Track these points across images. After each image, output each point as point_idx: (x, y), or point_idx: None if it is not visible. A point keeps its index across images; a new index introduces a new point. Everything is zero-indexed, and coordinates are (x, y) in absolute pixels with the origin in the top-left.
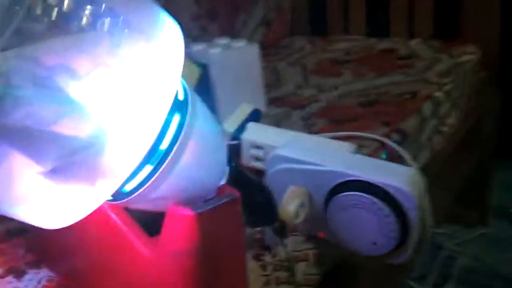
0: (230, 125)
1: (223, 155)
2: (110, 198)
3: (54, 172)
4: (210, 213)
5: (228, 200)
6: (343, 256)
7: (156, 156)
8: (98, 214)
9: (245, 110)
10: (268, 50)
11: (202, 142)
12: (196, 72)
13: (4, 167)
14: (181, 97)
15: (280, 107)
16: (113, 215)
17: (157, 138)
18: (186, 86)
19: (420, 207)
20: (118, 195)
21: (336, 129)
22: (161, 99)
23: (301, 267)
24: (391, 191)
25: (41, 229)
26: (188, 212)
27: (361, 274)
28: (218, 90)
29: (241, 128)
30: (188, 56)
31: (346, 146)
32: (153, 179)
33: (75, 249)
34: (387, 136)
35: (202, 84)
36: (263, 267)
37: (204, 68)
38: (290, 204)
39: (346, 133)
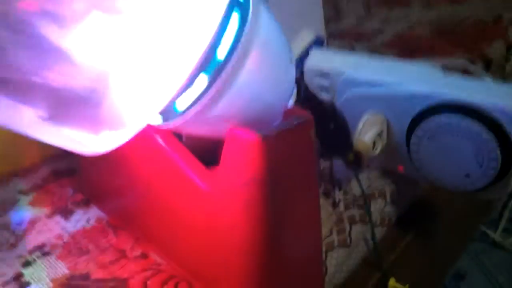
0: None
1: (291, 71)
2: (161, 120)
3: (53, 119)
4: (278, 137)
5: (299, 122)
6: (421, 195)
7: (212, 65)
8: (148, 144)
9: (306, 37)
10: None
11: (268, 53)
12: None
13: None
14: None
15: (342, 40)
16: (164, 144)
17: (212, 42)
18: None
19: None
20: (170, 115)
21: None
22: None
23: (377, 205)
24: (493, 112)
25: (90, 168)
26: (252, 135)
27: (440, 215)
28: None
29: (303, 57)
30: None
31: (429, 67)
32: (210, 92)
33: (124, 187)
34: (471, 62)
35: None
36: (334, 204)
37: None
38: (366, 133)
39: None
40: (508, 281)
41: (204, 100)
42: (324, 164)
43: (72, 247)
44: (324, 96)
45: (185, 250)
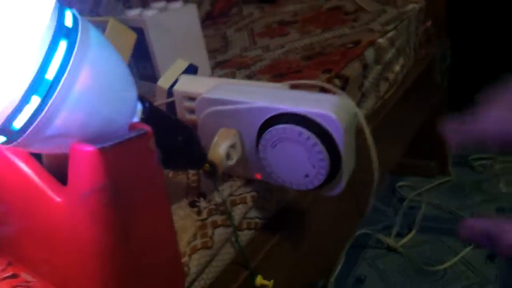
0: (165, 82)
1: (129, 89)
2: (3, 139)
3: None
4: (114, 148)
5: (136, 135)
6: (289, 200)
7: (43, 87)
8: (8, 168)
9: (180, 65)
10: (217, 19)
11: (99, 72)
12: (132, 37)
13: None
14: (69, 23)
15: (225, 69)
16: (19, 162)
17: (40, 66)
18: (76, 13)
19: (349, 132)
20: (10, 134)
21: (279, 82)
22: (34, 21)
23: (238, 211)
24: (316, 118)
25: None
26: (89, 148)
27: (309, 217)
28: (158, 54)
29: (175, 83)
30: (124, 22)
31: (279, 86)
32: (43, 112)
33: None
34: (329, 82)
35: (140, 48)
36: (198, 212)
37: (139, 33)
38: (220, 145)
39: (287, 83)
40: (402, 283)
41: (40, 118)
42: (191, 178)
43: None
44: (191, 117)
45: (52, 265)
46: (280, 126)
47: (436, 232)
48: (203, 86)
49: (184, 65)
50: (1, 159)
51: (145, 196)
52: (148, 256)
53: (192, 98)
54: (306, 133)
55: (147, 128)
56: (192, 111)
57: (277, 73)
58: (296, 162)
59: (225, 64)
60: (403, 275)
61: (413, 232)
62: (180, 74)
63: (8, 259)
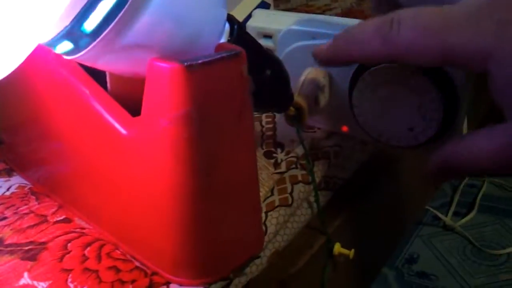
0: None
1: (220, 4)
2: (70, 47)
3: None
4: (204, 67)
5: (229, 55)
6: (368, 160)
7: None
8: (66, 94)
9: (251, 2)
10: None
11: None
12: None
13: None
14: None
15: None
16: (82, 86)
17: None
18: None
19: (472, 80)
20: (79, 39)
21: None
22: None
23: (321, 166)
24: None
25: (12, 136)
26: (174, 64)
27: (387, 183)
28: None
29: (248, 21)
30: None
31: None
32: (122, 12)
33: (47, 150)
34: None
35: None
36: (275, 165)
37: None
38: (308, 87)
39: None
40: (459, 263)
41: (117, 19)
42: (266, 126)
43: None
44: None
45: (111, 211)
46: (387, 65)
47: (498, 213)
48: (281, 21)
49: (256, 1)
50: (56, 80)
51: (232, 130)
52: (229, 203)
53: (268, 36)
54: (419, 75)
55: (239, 49)
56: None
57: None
58: (400, 112)
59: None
60: (461, 257)
61: (473, 212)
62: (252, 10)
63: (59, 201)
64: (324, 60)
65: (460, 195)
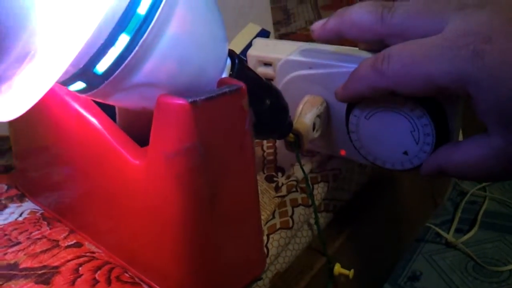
0: (235, 46)
1: (222, 39)
2: (83, 86)
3: None
4: (208, 103)
5: (231, 90)
6: (367, 182)
7: (133, 23)
8: (79, 126)
9: (251, 30)
10: None
11: (194, 13)
12: None
13: None
14: None
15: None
16: (93, 119)
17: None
18: None
19: (461, 104)
20: (92, 79)
21: None
22: None
23: (320, 189)
24: None
25: (25, 162)
26: (181, 100)
27: (385, 203)
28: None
29: (248, 49)
30: None
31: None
32: (132, 54)
33: (58, 176)
34: None
35: None
36: (276, 188)
37: None
38: (306, 114)
39: None
40: (461, 280)
41: (127, 61)
42: (267, 150)
43: (1, 239)
44: None
45: (120, 236)
46: None
47: (499, 230)
48: (281, 50)
49: (256, 29)
50: (69, 113)
51: (234, 160)
52: (232, 229)
53: (267, 64)
54: (411, 102)
55: (240, 84)
56: (268, 79)
57: (350, 44)
58: (394, 137)
59: (290, 36)
60: (463, 273)
61: (475, 228)
62: (252, 39)
63: (69, 226)
64: (341, 99)
65: (461, 212)
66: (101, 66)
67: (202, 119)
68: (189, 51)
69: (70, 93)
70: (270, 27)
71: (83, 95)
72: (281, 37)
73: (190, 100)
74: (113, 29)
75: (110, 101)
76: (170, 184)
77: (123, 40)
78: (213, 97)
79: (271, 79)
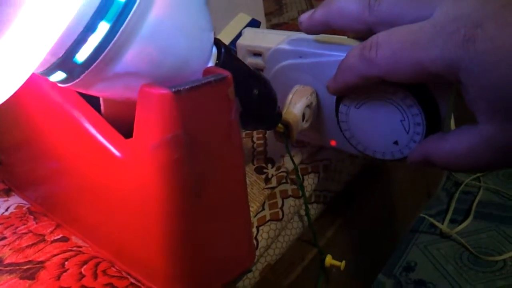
0: (225, 36)
1: (207, 27)
2: (63, 76)
3: None
4: (191, 92)
5: (215, 79)
6: (358, 172)
7: (112, 11)
8: (62, 119)
9: (241, 20)
10: None
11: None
12: None
13: None
14: None
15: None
16: (75, 111)
17: None
18: None
19: (453, 94)
20: (72, 69)
21: None
22: None
23: (311, 180)
24: None
25: (11, 156)
26: (163, 90)
27: (377, 195)
28: (213, 8)
29: (238, 39)
30: None
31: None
32: (112, 43)
33: (44, 170)
34: None
35: None
36: (266, 180)
37: None
38: (295, 104)
39: None
40: (456, 270)
41: (108, 50)
42: (257, 142)
43: None
44: None
45: (106, 229)
46: None
47: (494, 220)
48: (271, 40)
49: (246, 19)
50: (51, 106)
51: (221, 151)
52: (219, 221)
53: (257, 54)
54: (402, 91)
55: (226, 73)
56: (256, 68)
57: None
58: (384, 127)
59: (282, 26)
60: (458, 264)
61: (469, 219)
62: (242, 29)
63: (56, 220)
64: (333, 91)
65: (456, 202)
66: (81, 55)
67: (186, 109)
68: (172, 39)
69: (52, 85)
70: (261, 18)
71: (64, 86)
72: (273, 27)
73: (173, 89)
74: (92, 17)
75: (92, 92)
76: (155, 176)
77: (103, 28)
78: (197, 86)
79: (261, 70)
